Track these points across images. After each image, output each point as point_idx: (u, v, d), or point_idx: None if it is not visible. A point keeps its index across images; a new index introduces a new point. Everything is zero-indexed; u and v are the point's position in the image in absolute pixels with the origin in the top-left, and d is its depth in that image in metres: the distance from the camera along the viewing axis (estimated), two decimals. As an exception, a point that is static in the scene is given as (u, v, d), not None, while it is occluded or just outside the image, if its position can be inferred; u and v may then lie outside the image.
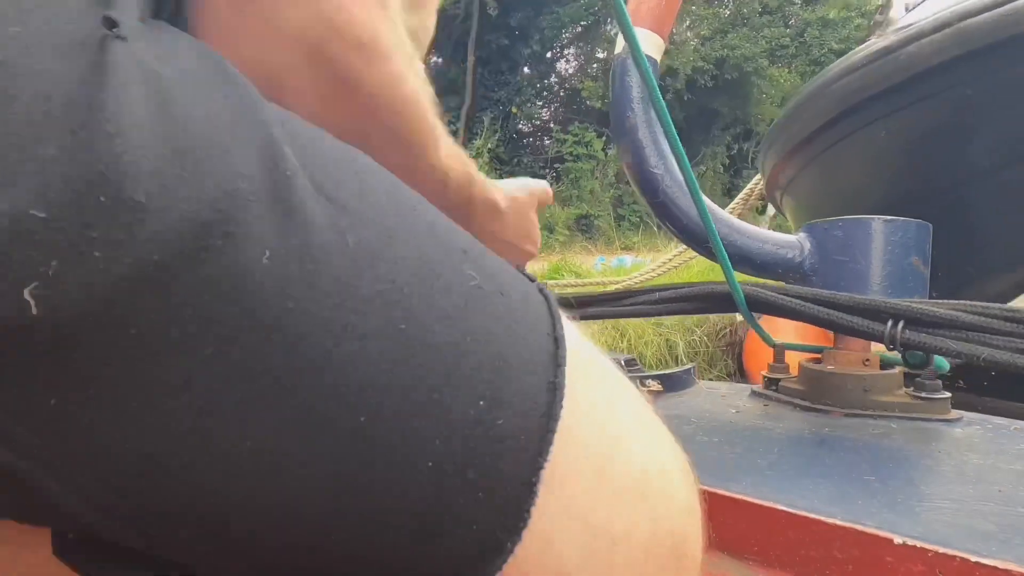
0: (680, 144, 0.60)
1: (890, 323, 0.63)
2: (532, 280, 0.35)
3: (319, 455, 0.26)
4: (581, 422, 0.31)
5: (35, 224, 0.21)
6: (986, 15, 1.68)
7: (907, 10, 2.71)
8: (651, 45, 0.81)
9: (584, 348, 0.35)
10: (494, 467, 0.28)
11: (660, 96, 0.58)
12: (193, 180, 0.23)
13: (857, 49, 2.11)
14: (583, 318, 0.81)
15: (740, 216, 2.67)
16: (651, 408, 0.36)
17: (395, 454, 0.27)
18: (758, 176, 2.88)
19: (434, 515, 0.28)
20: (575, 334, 0.34)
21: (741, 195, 2.91)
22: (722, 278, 0.72)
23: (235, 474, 0.25)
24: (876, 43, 2.01)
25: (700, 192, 0.64)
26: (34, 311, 0.21)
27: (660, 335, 3.57)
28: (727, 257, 0.68)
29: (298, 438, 0.25)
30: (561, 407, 0.30)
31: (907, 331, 0.62)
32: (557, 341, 0.32)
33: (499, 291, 0.31)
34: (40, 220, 0.21)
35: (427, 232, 0.30)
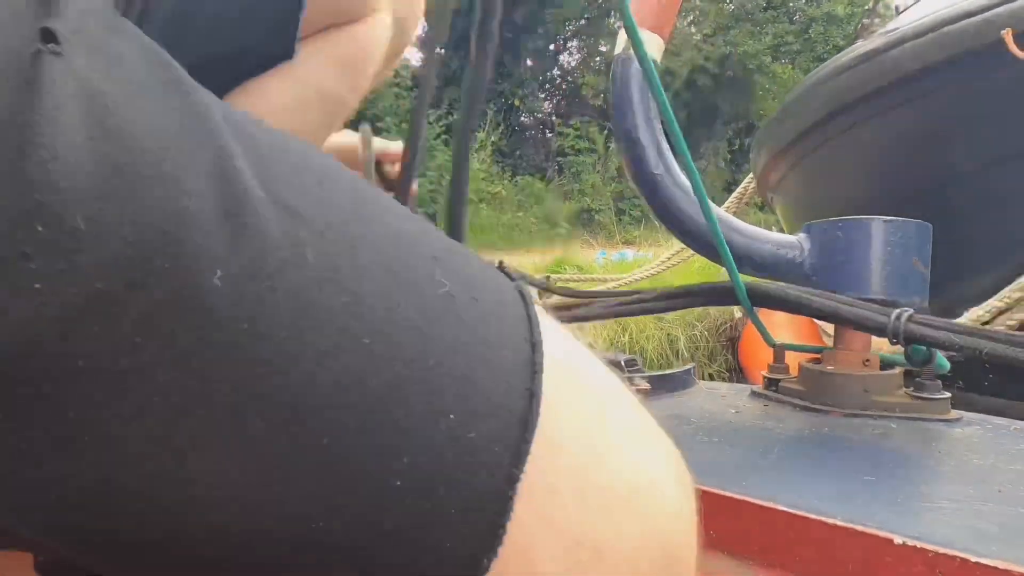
0: (684, 145, 0.60)
1: (893, 314, 0.63)
2: (513, 279, 0.34)
3: (280, 480, 0.25)
4: (564, 430, 0.30)
5: None
6: (970, 20, 1.69)
7: (898, 12, 2.73)
8: (651, 46, 0.81)
9: (572, 352, 0.33)
10: (467, 482, 0.27)
11: (664, 98, 0.58)
12: (136, 201, 0.22)
13: (845, 52, 2.13)
14: (589, 318, 0.80)
15: (736, 213, 2.69)
16: (646, 414, 0.35)
17: (360, 475, 0.26)
18: (750, 176, 2.88)
19: (404, 535, 0.27)
20: (562, 337, 0.33)
21: (736, 193, 2.92)
22: (724, 276, 0.72)
23: (194, 501, 0.25)
24: (863, 46, 2.03)
25: (705, 193, 0.64)
26: None
27: (661, 329, 3.58)
28: (729, 252, 0.68)
29: (257, 463, 0.24)
30: (538, 415, 0.28)
31: (910, 323, 0.62)
32: (534, 346, 0.30)
33: (472, 297, 0.30)
34: None
35: (394, 240, 0.29)
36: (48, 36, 0.23)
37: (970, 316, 1.86)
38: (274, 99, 0.55)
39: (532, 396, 0.29)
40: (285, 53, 0.53)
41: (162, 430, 0.23)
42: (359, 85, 0.62)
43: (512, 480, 0.27)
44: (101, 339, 0.22)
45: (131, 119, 0.24)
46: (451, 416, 0.27)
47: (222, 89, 0.47)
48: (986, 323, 1.84)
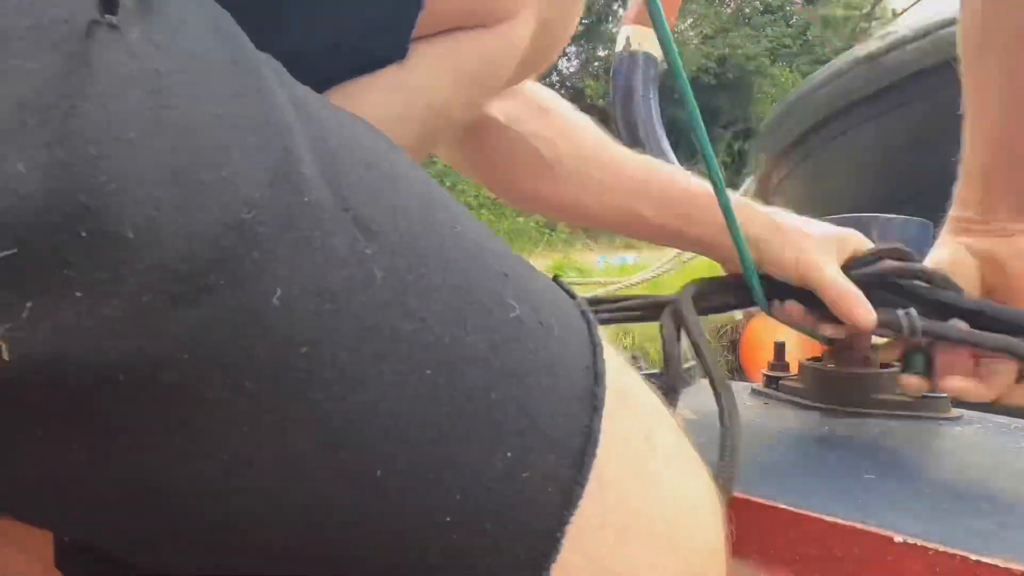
0: (707, 139, 0.57)
1: (901, 313, 0.61)
2: (573, 297, 0.33)
3: (328, 508, 0.24)
4: (615, 464, 0.29)
5: (5, 261, 0.19)
6: None
7: (894, 15, 2.75)
8: (652, 43, 0.81)
9: (623, 375, 0.32)
10: (516, 521, 0.26)
11: (689, 90, 0.55)
12: (191, 210, 0.21)
13: (844, 54, 2.15)
14: (608, 321, 0.79)
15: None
16: (686, 440, 0.34)
17: (410, 508, 0.25)
18: (751, 178, 2.90)
19: (447, 568, 0.26)
20: (614, 358, 0.32)
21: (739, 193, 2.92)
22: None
23: (231, 514, 0.24)
24: (861, 48, 2.05)
25: (723, 183, 0.61)
26: (5, 356, 0.19)
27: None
28: (744, 242, 0.65)
29: (306, 489, 0.24)
30: (594, 456, 0.27)
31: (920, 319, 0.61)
32: (597, 377, 0.29)
33: (539, 320, 0.28)
34: (11, 257, 0.19)
35: (466, 256, 0.27)
36: (108, 3, 0.21)
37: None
38: (374, 109, 0.46)
39: (590, 435, 0.28)
40: (395, 53, 0.45)
41: (204, 443, 0.22)
42: (477, 101, 0.53)
43: (562, 522, 0.27)
44: (142, 352, 0.21)
45: (190, 112, 0.21)
46: (508, 454, 0.26)
47: (318, 89, 0.38)
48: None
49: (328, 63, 0.43)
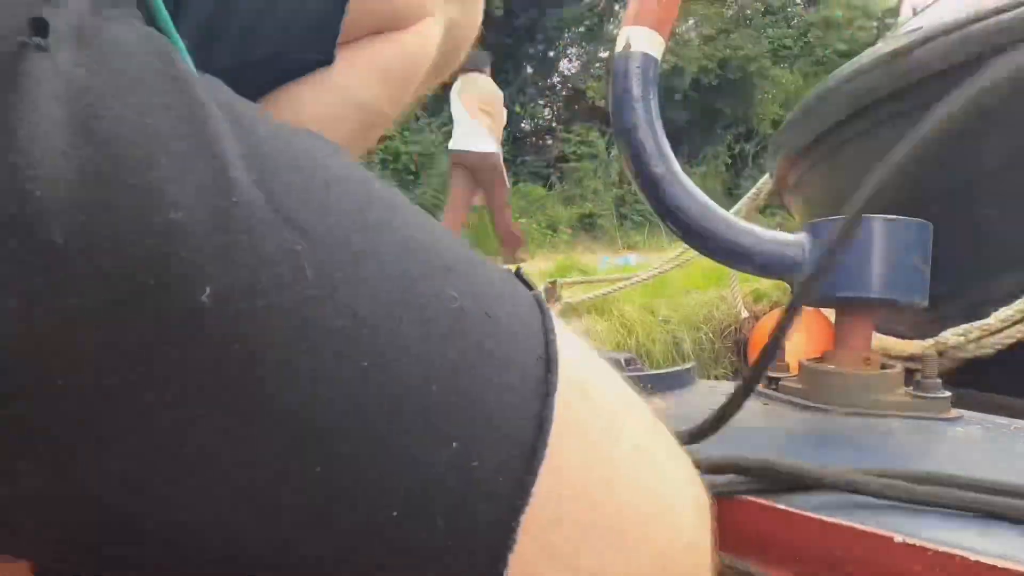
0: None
1: None
2: (530, 288, 0.33)
3: (270, 507, 0.24)
4: (572, 456, 0.28)
5: None
6: (995, 19, 1.69)
7: (915, 13, 2.72)
8: (651, 44, 0.81)
9: (584, 365, 0.32)
10: (467, 513, 0.26)
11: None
12: (119, 213, 0.21)
13: (867, 52, 2.12)
14: None
15: (747, 216, 2.69)
16: (663, 431, 0.33)
17: (355, 506, 0.25)
18: (765, 176, 2.89)
19: (400, 567, 0.26)
20: (575, 348, 0.32)
21: (749, 195, 2.92)
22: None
23: (181, 525, 0.24)
24: (885, 46, 2.02)
25: None
26: None
27: (667, 332, 3.56)
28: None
29: (245, 488, 0.24)
30: (547, 443, 0.27)
31: None
32: (548, 364, 0.29)
33: (484, 311, 0.28)
34: None
35: (402, 250, 0.27)
36: (39, 27, 0.22)
37: (999, 316, 1.85)
38: (307, 109, 0.50)
39: (541, 423, 0.27)
40: (323, 59, 0.49)
41: (148, 452, 0.23)
42: (401, 98, 0.57)
43: (516, 511, 0.26)
44: (81, 358, 0.21)
45: (118, 122, 0.22)
46: (453, 444, 0.26)
47: (254, 96, 0.43)
48: (1017, 323, 1.83)
49: (263, 73, 0.48)
